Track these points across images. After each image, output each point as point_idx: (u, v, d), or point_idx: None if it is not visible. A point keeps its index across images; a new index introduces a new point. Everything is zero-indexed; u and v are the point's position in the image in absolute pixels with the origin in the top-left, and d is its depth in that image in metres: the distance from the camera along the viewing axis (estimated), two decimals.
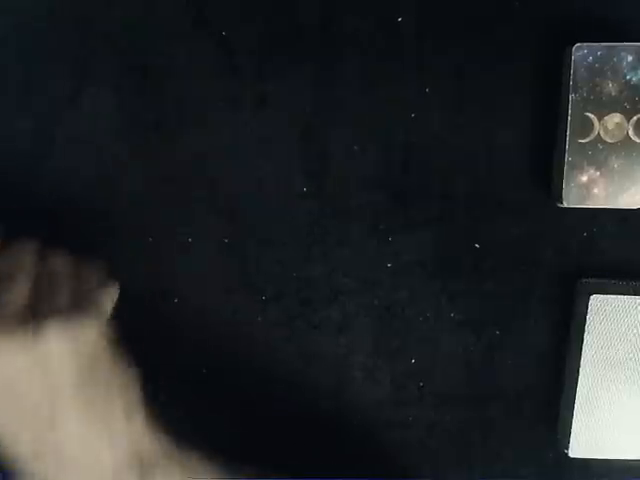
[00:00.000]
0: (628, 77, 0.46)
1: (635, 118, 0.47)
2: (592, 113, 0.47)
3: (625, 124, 0.47)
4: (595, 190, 0.48)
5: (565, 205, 0.48)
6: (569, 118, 0.47)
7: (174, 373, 0.54)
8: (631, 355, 0.51)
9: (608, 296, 0.50)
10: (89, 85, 0.49)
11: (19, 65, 0.49)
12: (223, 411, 0.55)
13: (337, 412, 0.55)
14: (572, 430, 0.52)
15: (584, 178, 0.48)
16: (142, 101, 0.49)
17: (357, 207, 0.51)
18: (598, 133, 0.47)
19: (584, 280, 0.51)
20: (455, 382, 0.54)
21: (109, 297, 0.43)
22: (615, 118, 0.47)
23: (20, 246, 0.42)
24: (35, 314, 0.38)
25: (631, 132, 0.47)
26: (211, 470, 0.44)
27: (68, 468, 0.39)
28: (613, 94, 0.46)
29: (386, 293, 0.52)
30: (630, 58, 0.46)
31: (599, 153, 0.47)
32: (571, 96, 0.46)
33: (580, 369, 0.51)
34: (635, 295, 0.50)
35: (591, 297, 0.50)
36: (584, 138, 0.47)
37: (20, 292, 0.39)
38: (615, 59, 0.46)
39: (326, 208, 0.51)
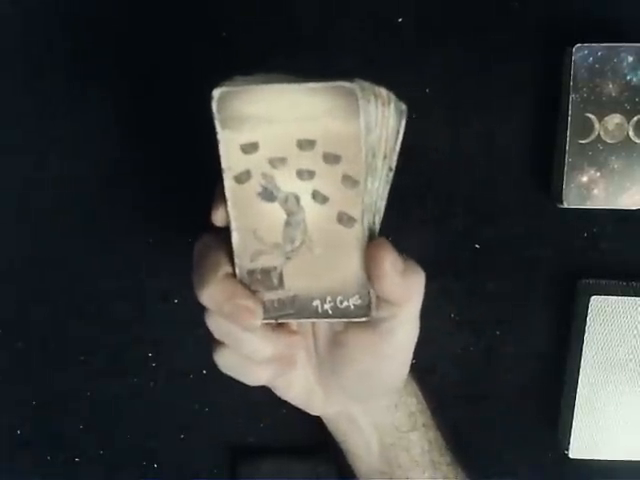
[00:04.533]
0: (628, 78, 0.46)
1: (635, 119, 0.46)
2: (592, 114, 0.47)
3: (625, 125, 0.47)
4: (595, 190, 0.48)
5: (565, 205, 0.48)
6: (569, 118, 0.47)
7: (174, 373, 0.54)
8: (631, 356, 0.51)
9: (608, 297, 0.50)
10: (89, 85, 0.49)
11: (19, 65, 0.49)
12: (222, 411, 0.55)
13: None
14: (572, 430, 0.52)
15: (584, 178, 0.48)
16: (142, 101, 0.50)
17: None
18: (598, 134, 0.47)
19: (584, 280, 0.51)
20: (455, 382, 0.54)
21: None
22: (615, 119, 0.46)
23: None
24: None
25: (631, 133, 0.47)
26: None
27: None
28: (613, 95, 0.46)
29: None
30: (630, 59, 0.46)
31: (599, 154, 0.47)
32: (571, 96, 0.46)
33: (580, 369, 0.51)
34: (635, 296, 0.50)
35: (591, 298, 0.50)
36: (584, 139, 0.47)
37: None
38: (615, 60, 0.46)
39: None
